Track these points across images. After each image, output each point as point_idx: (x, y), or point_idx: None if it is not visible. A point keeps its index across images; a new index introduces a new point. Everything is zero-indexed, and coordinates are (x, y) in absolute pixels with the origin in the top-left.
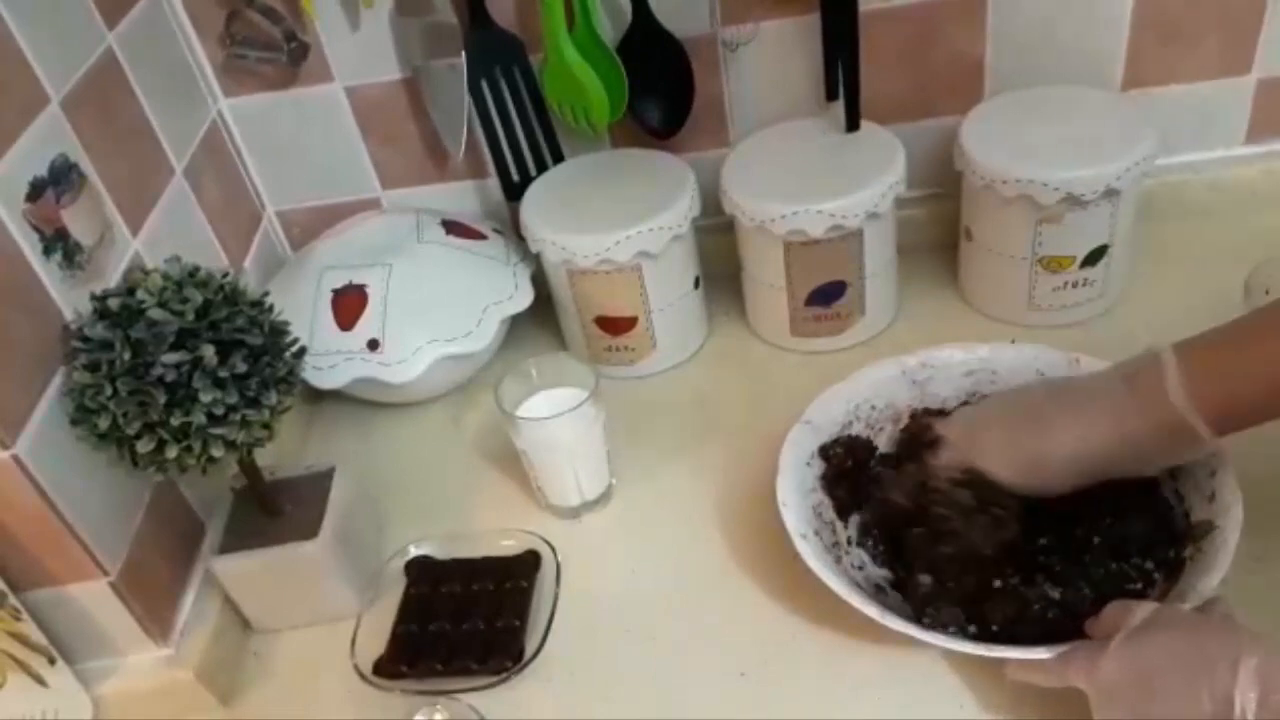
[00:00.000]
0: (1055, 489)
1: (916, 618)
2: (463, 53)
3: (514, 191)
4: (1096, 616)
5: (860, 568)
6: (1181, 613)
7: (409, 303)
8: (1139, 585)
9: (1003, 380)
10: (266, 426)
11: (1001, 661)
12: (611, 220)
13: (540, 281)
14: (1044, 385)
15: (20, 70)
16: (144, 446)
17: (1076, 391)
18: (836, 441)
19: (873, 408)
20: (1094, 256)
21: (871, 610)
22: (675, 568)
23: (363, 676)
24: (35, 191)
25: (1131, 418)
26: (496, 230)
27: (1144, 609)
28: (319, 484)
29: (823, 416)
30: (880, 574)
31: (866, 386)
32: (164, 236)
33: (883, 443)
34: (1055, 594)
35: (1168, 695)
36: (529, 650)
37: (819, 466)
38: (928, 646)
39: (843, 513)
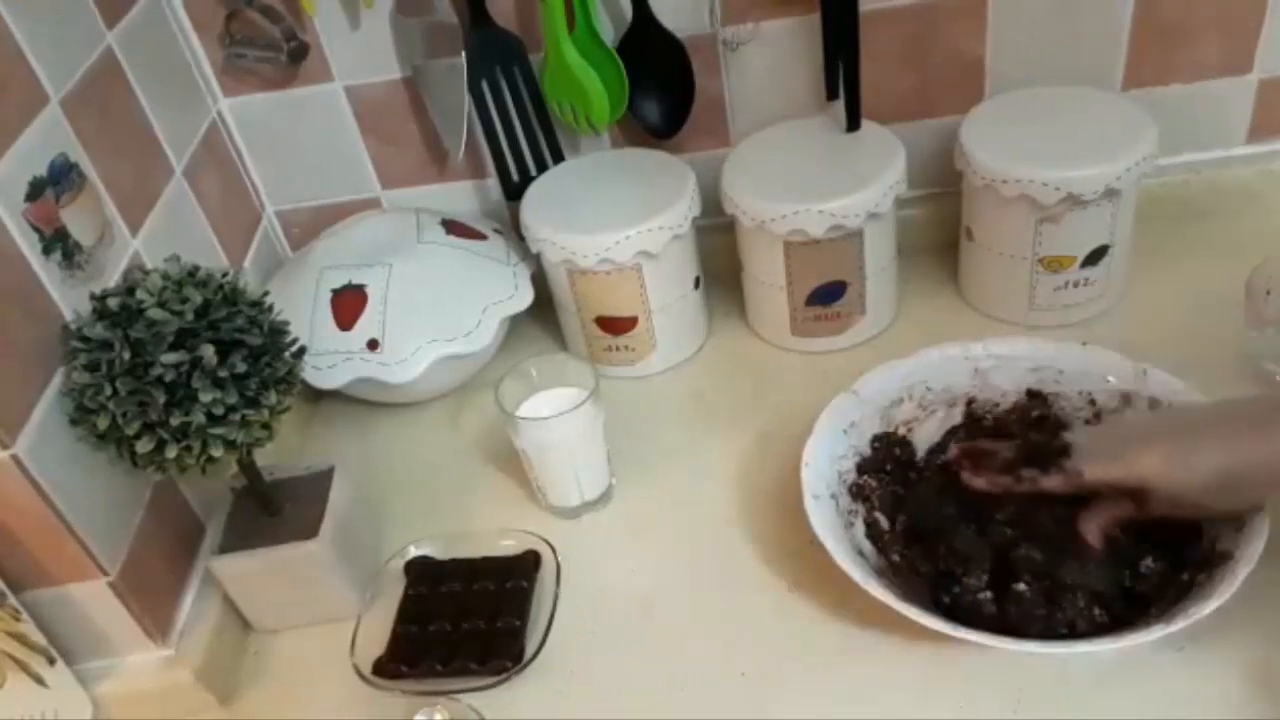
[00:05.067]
0: (1205, 503)
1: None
2: (463, 53)
3: (514, 191)
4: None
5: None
6: None
7: (409, 303)
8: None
9: (1067, 381)
10: (266, 426)
11: (1000, 655)
12: (611, 220)
13: (540, 281)
14: (1182, 407)
15: (20, 70)
16: (144, 446)
17: (1227, 404)
18: (887, 438)
19: (928, 389)
20: (1094, 256)
21: (858, 575)
22: (675, 568)
23: (363, 676)
24: (35, 191)
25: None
26: (496, 230)
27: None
28: (319, 484)
29: (873, 389)
30: (881, 560)
31: (926, 366)
32: (164, 236)
33: (929, 432)
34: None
35: None
36: (529, 650)
37: (857, 441)
38: (927, 648)
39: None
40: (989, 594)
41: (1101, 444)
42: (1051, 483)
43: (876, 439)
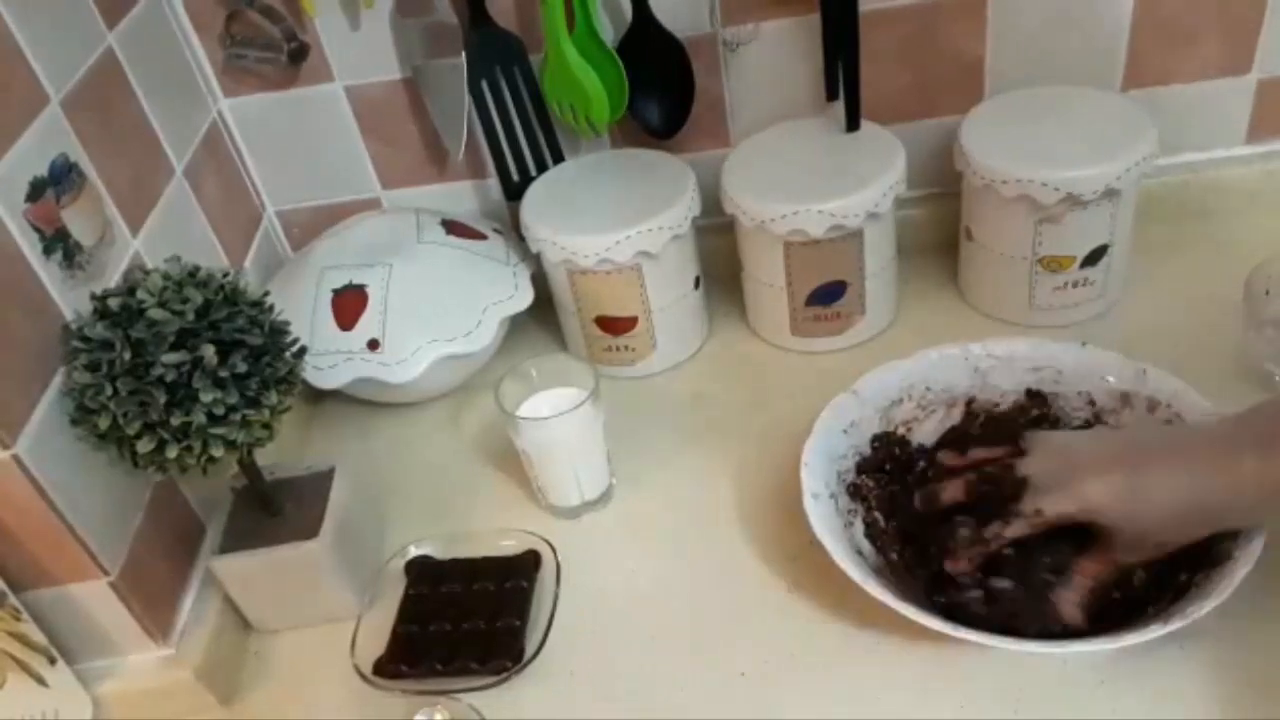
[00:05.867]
0: (1164, 538)
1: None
2: (463, 53)
3: (514, 191)
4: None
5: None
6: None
7: (409, 303)
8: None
9: (1067, 381)
10: (267, 426)
11: (1000, 655)
12: (611, 220)
13: (540, 281)
14: (1138, 427)
15: (20, 70)
16: (144, 446)
17: (1181, 431)
18: (887, 437)
19: (928, 389)
20: (1094, 256)
21: (857, 575)
22: (675, 567)
23: (363, 676)
24: (35, 191)
25: (1249, 461)
26: (496, 230)
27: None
28: (319, 484)
29: (872, 389)
30: (881, 559)
31: (926, 366)
32: (164, 236)
33: (928, 431)
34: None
35: None
36: (529, 650)
37: (857, 440)
38: (927, 648)
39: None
40: (979, 593)
41: (1055, 475)
42: (1016, 530)
43: (876, 439)
